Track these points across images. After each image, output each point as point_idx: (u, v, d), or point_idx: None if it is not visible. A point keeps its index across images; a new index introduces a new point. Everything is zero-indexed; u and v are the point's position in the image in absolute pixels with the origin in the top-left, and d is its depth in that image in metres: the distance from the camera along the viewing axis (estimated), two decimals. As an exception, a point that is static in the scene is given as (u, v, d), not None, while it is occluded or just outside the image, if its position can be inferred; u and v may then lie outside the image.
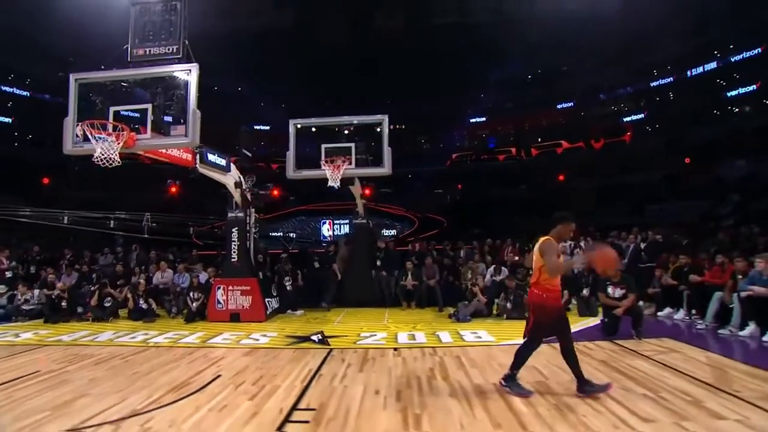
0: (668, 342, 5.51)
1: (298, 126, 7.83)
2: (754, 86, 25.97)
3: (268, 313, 7.74)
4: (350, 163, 7.49)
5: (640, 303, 6.58)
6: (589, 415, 3.20)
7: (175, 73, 5.18)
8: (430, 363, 4.74)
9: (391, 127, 26.94)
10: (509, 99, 36.83)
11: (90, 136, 4.69)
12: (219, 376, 4.45)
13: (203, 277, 8.66)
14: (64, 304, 7.87)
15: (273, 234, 22.90)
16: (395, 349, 5.41)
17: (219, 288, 7.67)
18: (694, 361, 4.63)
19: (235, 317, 7.54)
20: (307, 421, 3.24)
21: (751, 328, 5.81)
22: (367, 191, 33.78)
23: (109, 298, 7.99)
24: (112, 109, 5.04)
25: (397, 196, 30.31)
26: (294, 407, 3.53)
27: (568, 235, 3.88)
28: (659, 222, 16.50)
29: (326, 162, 7.31)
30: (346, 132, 7.94)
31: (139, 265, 9.53)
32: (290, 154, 7.66)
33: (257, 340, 6.18)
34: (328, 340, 6.00)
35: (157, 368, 4.77)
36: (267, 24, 27.56)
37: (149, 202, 19.90)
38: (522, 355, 3.72)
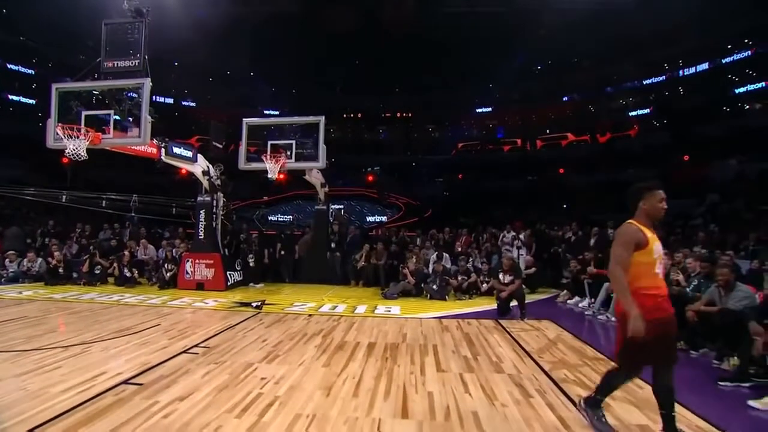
0: (544, 323, 6.46)
1: (250, 124, 8.96)
2: (764, 83, 25.60)
3: (229, 284, 9.02)
4: (290, 158, 8.59)
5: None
6: (401, 363, 4.29)
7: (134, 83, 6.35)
8: (327, 326, 5.88)
9: (398, 114, 27.74)
10: (517, 90, 36.79)
11: (63, 136, 5.93)
12: (158, 325, 5.73)
13: (180, 251, 9.98)
14: (61, 270, 9.33)
15: (271, 217, 24.48)
16: (310, 315, 6.59)
17: (188, 261, 8.99)
18: (541, 336, 5.62)
19: (200, 286, 8.85)
20: (196, 353, 4.45)
21: (623, 314, 6.71)
22: (369, 177, 34.69)
23: (99, 267, 9.41)
24: (84, 113, 6.28)
25: (399, 183, 31.37)
26: (196, 345, 4.76)
27: (659, 210, 2.67)
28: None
29: (270, 156, 8.41)
30: (295, 127, 8.95)
31: (131, 239, 10.95)
32: (242, 149, 8.85)
33: (207, 303, 7.46)
34: (264, 306, 7.21)
35: (114, 319, 6.09)
36: (277, 10, 28.53)
37: (160, 183, 21.60)
38: (608, 382, 2.87)
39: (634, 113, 32.28)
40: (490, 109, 37.63)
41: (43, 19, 23.70)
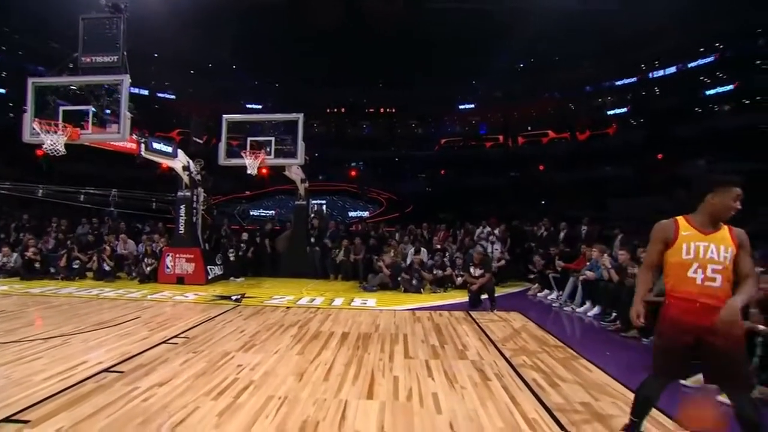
0: (512, 314, 6.81)
1: (230, 121, 9.07)
2: (732, 86, 26.59)
3: (209, 278, 9.14)
4: (270, 154, 8.75)
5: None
6: (372, 351, 4.55)
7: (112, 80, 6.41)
8: (303, 318, 6.10)
9: (382, 110, 27.87)
10: (500, 87, 37.25)
11: (40, 131, 5.97)
12: (138, 317, 5.86)
13: (160, 245, 10.03)
14: (37, 265, 9.30)
15: (253, 212, 24.48)
16: (288, 307, 6.79)
17: (168, 255, 9.08)
18: (508, 326, 5.95)
19: (180, 280, 8.96)
20: (176, 343, 4.63)
21: (586, 305, 7.13)
22: (352, 173, 34.80)
23: (77, 261, 9.41)
24: (61, 108, 6.32)
25: (382, 178, 31.61)
26: (175, 336, 4.93)
27: (729, 210, 2.35)
28: (618, 216, 17.74)
29: (249, 152, 8.56)
30: (275, 124, 9.10)
31: (110, 234, 10.92)
32: (222, 145, 8.96)
33: (187, 297, 7.59)
34: (244, 299, 7.39)
35: (94, 312, 6.19)
36: (260, 2, 28.25)
37: (139, 177, 21.34)
38: (636, 396, 2.60)
39: (612, 112, 33.10)
40: (473, 105, 38.06)
41: (13, 4, 23.01)
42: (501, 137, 36.88)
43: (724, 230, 2.38)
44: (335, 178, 29.27)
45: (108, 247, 9.81)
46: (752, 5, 22.09)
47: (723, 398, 3.01)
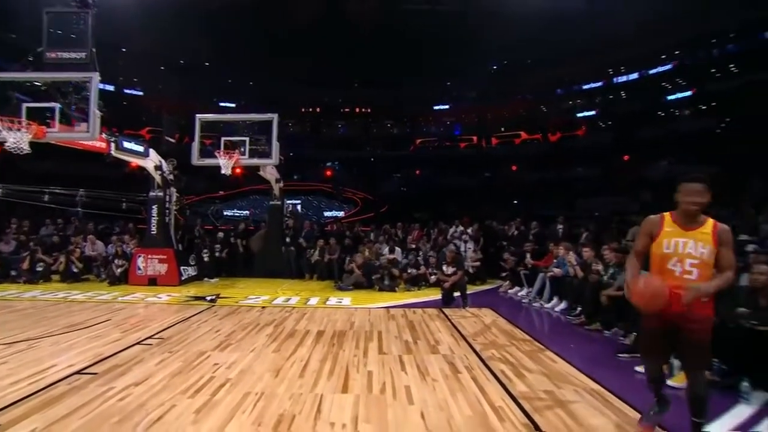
0: (483, 310, 7.04)
1: (203, 120, 8.99)
2: (690, 92, 27.98)
3: (183, 279, 9.02)
4: (244, 154, 8.72)
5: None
6: (347, 348, 4.67)
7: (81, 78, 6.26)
8: (279, 317, 6.15)
9: (357, 110, 27.93)
10: (474, 89, 37.86)
11: (2, 128, 5.77)
12: (109, 319, 5.77)
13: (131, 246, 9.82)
14: (-4, 268, 8.96)
15: (227, 212, 24.11)
16: (263, 307, 6.82)
17: (140, 256, 8.91)
18: (479, 322, 6.17)
19: (152, 282, 8.81)
20: (150, 344, 4.61)
21: (554, 301, 7.45)
22: (328, 172, 34.65)
23: (42, 264, 9.10)
24: (24, 105, 6.12)
25: (357, 178, 31.66)
26: (150, 337, 4.90)
27: (688, 205, 2.58)
28: (585, 215, 18.40)
29: (223, 152, 8.51)
30: (249, 124, 9.06)
31: (77, 235, 10.58)
32: (195, 145, 8.87)
33: (160, 298, 7.49)
34: (219, 300, 7.35)
35: (62, 315, 6.05)
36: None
37: (108, 176, 20.64)
38: (648, 382, 2.87)
39: (581, 114, 34.12)
40: (447, 106, 38.57)
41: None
42: (475, 138, 37.52)
43: (707, 227, 2.59)
44: (310, 178, 29.13)
45: (76, 249, 9.53)
46: (704, 16, 23.45)
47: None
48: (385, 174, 33.67)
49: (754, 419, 3.13)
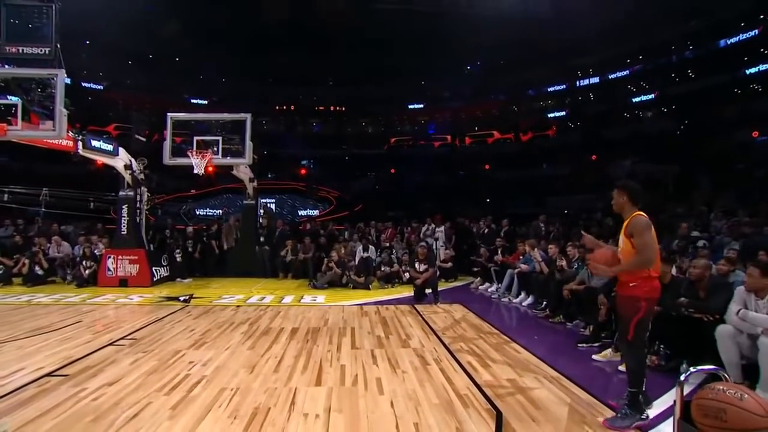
0: (454, 306, 7.28)
1: (175, 119, 8.89)
2: (653, 95, 29.27)
3: (155, 280, 8.90)
4: (217, 153, 8.68)
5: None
6: (320, 344, 4.79)
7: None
8: (254, 315, 6.21)
9: (331, 108, 27.84)
10: (448, 88, 38.34)
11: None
12: (79, 322, 5.69)
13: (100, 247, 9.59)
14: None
15: (200, 211, 23.69)
16: (238, 306, 6.85)
17: (110, 257, 8.74)
18: (449, 317, 6.39)
19: (123, 283, 8.66)
20: (123, 345, 4.61)
21: (522, 296, 7.77)
22: (302, 171, 34.46)
23: (1, 266, 8.79)
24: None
25: (331, 177, 31.61)
26: (122, 338, 4.89)
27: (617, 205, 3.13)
28: (554, 212, 19.00)
29: (196, 152, 8.45)
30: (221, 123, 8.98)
31: (40, 236, 10.23)
32: (167, 144, 8.76)
33: (132, 299, 7.40)
34: (193, 300, 7.32)
35: (27, 319, 5.92)
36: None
37: (73, 174, 19.91)
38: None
39: (552, 115, 35.14)
40: (421, 105, 38.98)
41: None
42: (449, 137, 38.07)
43: (627, 221, 3.04)
44: (285, 177, 28.92)
45: (40, 250, 9.25)
46: (662, 23, 24.66)
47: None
48: (359, 172, 33.77)
49: (690, 396, 3.45)
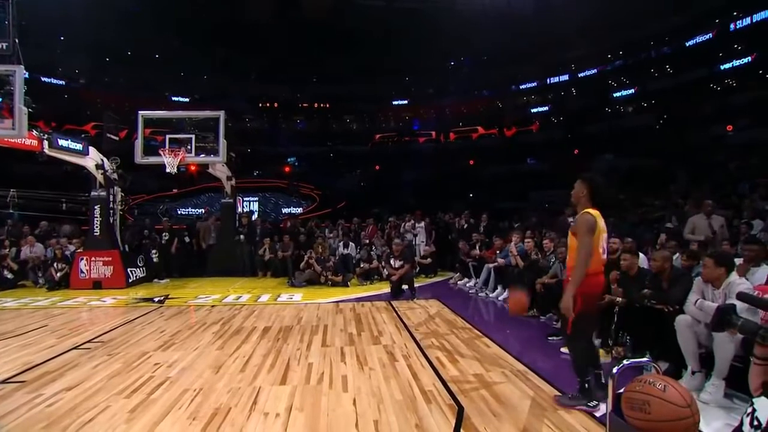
0: (431, 302, 7.29)
1: (147, 117, 8.73)
2: (633, 90, 29.68)
3: (130, 281, 8.76)
4: (190, 151, 8.55)
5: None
6: (291, 342, 4.77)
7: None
8: (227, 315, 6.15)
9: (316, 105, 27.64)
10: (432, 84, 38.35)
11: None
12: (45, 326, 5.56)
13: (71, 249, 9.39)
14: None
15: (181, 211, 23.38)
16: (212, 306, 6.78)
17: (82, 259, 8.56)
18: (424, 313, 6.41)
19: (97, 285, 8.50)
20: (88, 348, 4.52)
21: (498, 290, 7.83)
22: (286, 168, 34.19)
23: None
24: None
25: (316, 174, 31.45)
26: (89, 341, 4.79)
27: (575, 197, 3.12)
28: (536, 207, 19.20)
29: (168, 150, 8.31)
30: (195, 121, 8.85)
31: (9, 238, 9.96)
32: (138, 142, 8.60)
33: (105, 301, 7.26)
34: (168, 300, 7.22)
35: (-9, 323, 5.75)
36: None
37: (45, 174, 19.43)
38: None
39: (535, 110, 35.43)
40: (406, 102, 38.96)
41: None
42: (433, 133, 38.14)
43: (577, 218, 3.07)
44: (270, 175, 28.66)
45: (8, 252, 9.01)
46: (641, 20, 25.02)
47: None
48: (344, 169, 33.65)
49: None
